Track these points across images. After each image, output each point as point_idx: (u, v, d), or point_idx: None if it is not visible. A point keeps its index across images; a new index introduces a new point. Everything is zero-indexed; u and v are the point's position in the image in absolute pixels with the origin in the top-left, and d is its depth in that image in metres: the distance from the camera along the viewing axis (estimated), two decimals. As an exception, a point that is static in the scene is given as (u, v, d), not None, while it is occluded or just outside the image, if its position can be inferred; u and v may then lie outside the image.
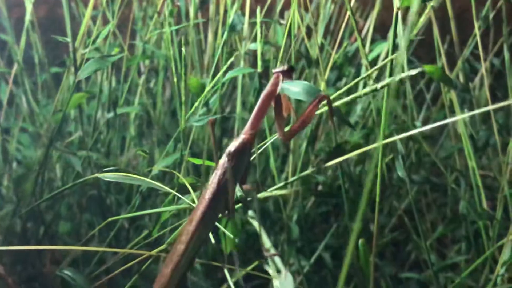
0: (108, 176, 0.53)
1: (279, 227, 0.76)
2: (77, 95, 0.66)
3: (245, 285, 0.70)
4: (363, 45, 0.62)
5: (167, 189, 0.49)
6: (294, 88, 0.44)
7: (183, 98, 0.60)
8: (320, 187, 0.76)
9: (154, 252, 0.48)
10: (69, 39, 0.68)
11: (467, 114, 0.70)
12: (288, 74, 0.45)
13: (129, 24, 0.82)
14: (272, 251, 0.39)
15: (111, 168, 0.76)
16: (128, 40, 0.82)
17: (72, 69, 0.69)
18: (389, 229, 0.82)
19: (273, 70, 0.45)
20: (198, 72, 0.87)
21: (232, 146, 0.43)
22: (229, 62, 0.59)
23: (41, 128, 0.84)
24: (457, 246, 0.78)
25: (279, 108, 0.44)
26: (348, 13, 0.60)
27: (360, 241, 0.57)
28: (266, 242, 0.38)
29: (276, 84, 0.44)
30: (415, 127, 0.73)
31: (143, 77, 0.85)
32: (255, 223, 0.41)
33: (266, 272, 0.75)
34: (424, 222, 0.80)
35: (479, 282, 0.71)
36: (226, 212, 0.43)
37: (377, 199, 0.56)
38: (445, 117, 0.78)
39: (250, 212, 0.43)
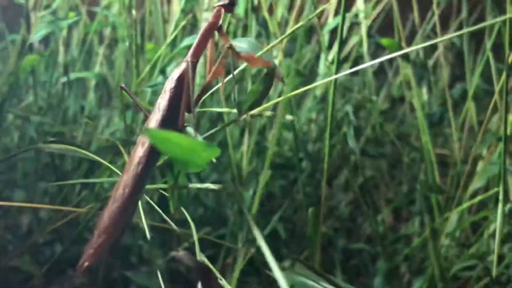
0: (51, 147, 0.52)
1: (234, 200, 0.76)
2: (29, 58, 0.64)
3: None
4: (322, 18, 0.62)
5: (105, 163, 0.49)
6: (241, 44, 0.46)
7: (134, 63, 0.59)
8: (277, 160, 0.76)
9: (85, 209, 0.48)
10: (22, 0, 0.67)
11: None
12: (229, 7, 0.46)
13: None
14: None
15: (61, 134, 0.76)
16: (89, 7, 0.81)
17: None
18: (345, 204, 0.82)
19: (215, 4, 0.46)
20: (161, 42, 0.86)
21: (177, 72, 0.44)
22: (179, 27, 0.58)
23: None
24: (412, 221, 0.79)
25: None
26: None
27: (310, 209, 0.58)
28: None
29: (217, 17, 0.45)
30: (372, 102, 0.73)
31: (103, 46, 0.84)
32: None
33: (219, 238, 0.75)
34: (379, 197, 0.81)
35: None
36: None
37: (325, 166, 0.56)
38: (402, 94, 0.78)
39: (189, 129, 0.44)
